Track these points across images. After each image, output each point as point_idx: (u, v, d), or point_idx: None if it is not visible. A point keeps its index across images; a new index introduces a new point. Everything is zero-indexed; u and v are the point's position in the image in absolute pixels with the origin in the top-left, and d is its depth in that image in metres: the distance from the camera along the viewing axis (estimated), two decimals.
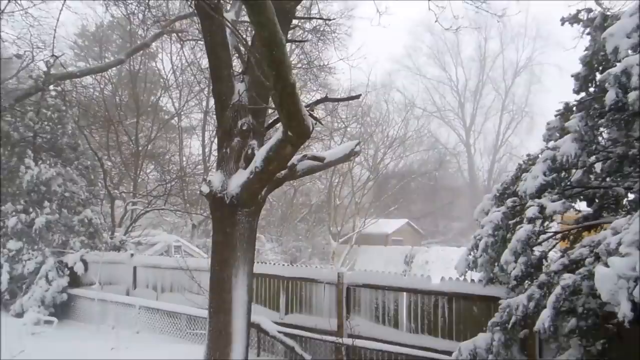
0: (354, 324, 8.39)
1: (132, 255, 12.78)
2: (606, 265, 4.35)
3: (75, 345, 9.42)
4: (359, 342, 8.20)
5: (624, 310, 4.10)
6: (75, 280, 13.03)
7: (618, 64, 5.38)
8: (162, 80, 25.90)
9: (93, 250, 13.58)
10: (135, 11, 13.35)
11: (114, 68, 20.69)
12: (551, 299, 5.07)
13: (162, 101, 26.68)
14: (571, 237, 7.26)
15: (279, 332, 9.03)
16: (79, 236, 13.73)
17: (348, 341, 8.29)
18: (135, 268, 12.41)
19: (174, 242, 18.30)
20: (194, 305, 10.31)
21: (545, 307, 5.30)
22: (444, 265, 26.27)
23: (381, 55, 66.17)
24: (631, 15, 5.54)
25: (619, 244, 4.39)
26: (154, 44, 18.36)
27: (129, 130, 22.15)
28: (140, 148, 21.87)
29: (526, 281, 6.34)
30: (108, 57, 23.87)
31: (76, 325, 12.29)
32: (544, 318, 5.04)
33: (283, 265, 11.63)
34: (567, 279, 5.09)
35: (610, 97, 5.26)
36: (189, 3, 12.37)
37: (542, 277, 5.64)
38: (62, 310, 12.64)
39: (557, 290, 5.05)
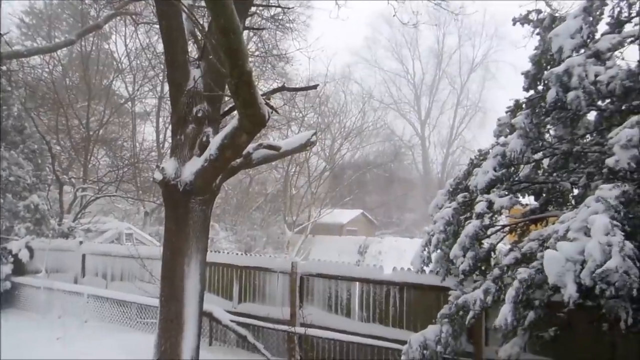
0: (306, 313, 8.45)
1: (80, 242, 12.45)
2: (555, 249, 4.53)
3: (19, 336, 9.12)
4: (312, 331, 8.28)
5: (570, 292, 4.30)
6: (20, 268, 12.57)
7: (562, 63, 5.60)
8: (115, 63, 25.15)
9: (39, 237, 13.14)
10: None
11: (64, 49, 19.93)
12: (510, 293, 5.22)
13: (115, 85, 25.91)
14: (519, 230, 7.52)
15: (232, 321, 9.01)
16: (24, 222, 13.24)
17: (300, 330, 8.35)
18: (84, 256, 12.12)
19: (125, 230, 17.89)
20: (144, 293, 10.15)
21: (500, 300, 5.49)
22: (396, 256, 26.70)
23: (340, 46, 66.14)
24: (575, 17, 5.78)
25: (567, 230, 4.59)
26: (107, 25, 17.78)
27: (80, 113, 21.44)
28: (91, 132, 21.24)
29: (474, 274, 6.55)
30: (58, 37, 22.97)
31: (21, 315, 11.87)
32: (505, 313, 5.16)
33: (237, 254, 11.58)
34: (523, 272, 5.27)
35: (551, 95, 5.48)
36: None
37: (496, 272, 5.83)
38: (5, 299, 12.19)
39: (516, 284, 5.20)
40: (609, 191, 4.67)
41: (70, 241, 13.04)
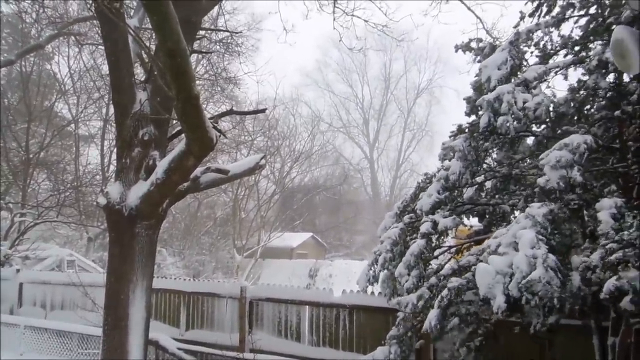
0: (256, 338, 8.34)
1: (17, 270, 11.89)
2: (487, 263, 4.74)
3: None
4: (261, 357, 8.15)
5: (499, 302, 4.51)
6: None
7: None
8: (57, 84, 24.42)
9: None
10: (28, 10, 12.53)
11: (2, 69, 19.22)
12: (438, 299, 5.46)
13: (58, 107, 25.10)
14: (465, 251, 7.72)
15: (179, 348, 8.75)
16: None
17: (249, 356, 8.21)
18: (21, 284, 11.58)
19: (67, 257, 17.18)
20: (87, 323, 9.76)
21: (433, 307, 5.68)
22: (346, 278, 26.78)
23: (290, 68, 66.67)
24: (503, 50, 6.18)
25: (499, 245, 4.81)
26: (49, 45, 17.30)
27: (19, 135, 20.65)
28: (31, 155, 20.45)
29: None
30: None
31: None
32: (431, 317, 5.43)
33: (184, 279, 11.35)
34: (454, 281, 5.50)
35: (483, 120, 5.79)
36: (88, 6, 11.84)
37: (433, 280, 6.04)
38: None
39: (444, 292, 5.44)
40: (537, 209, 4.94)
41: (6, 269, 12.44)
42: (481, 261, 5.09)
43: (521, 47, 6.34)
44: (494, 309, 4.54)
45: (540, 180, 5.17)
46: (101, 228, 21.97)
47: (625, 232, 4.45)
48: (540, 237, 4.61)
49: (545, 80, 6.19)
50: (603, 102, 5.83)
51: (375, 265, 6.89)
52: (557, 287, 4.36)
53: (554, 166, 5.06)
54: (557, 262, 4.45)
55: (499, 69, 6.07)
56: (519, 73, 6.11)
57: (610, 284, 4.30)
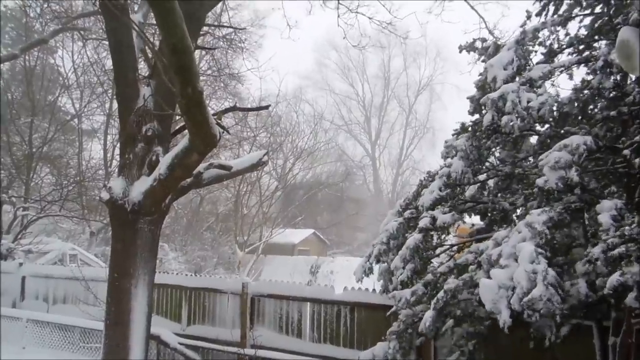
0: (257, 334, 8.37)
1: (20, 264, 11.93)
2: (489, 277, 4.73)
3: None
4: (262, 353, 8.18)
5: (504, 317, 4.50)
6: None
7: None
8: (61, 79, 24.44)
9: None
10: (32, 4, 12.55)
11: (6, 63, 19.25)
12: (434, 301, 5.48)
13: (61, 101, 25.15)
14: (466, 249, 7.73)
15: (180, 344, 8.80)
16: None
17: (251, 352, 8.25)
18: (23, 278, 11.62)
19: (69, 251, 17.24)
20: (89, 317, 9.79)
21: (425, 302, 5.71)
22: (348, 275, 26.71)
23: (292, 67, 66.48)
24: (509, 49, 6.15)
25: (499, 256, 4.79)
26: (53, 40, 17.32)
27: (22, 130, 20.69)
28: (34, 150, 20.50)
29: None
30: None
31: None
32: (426, 319, 5.47)
33: (186, 275, 11.38)
34: (451, 283, 5.50)
35: (487, 119, 5.78)
36: (92, 1, 11.84)
37: (429, 277, 6.05)
38: None
39: (440, 293, 5.44)
40: (537, 216, 4.93)
41: (9, 263, 12.49)
42: (479, 262, 5.10)
43: (527, 46, 6.30)
44: (500, 323, 4.52)
45: (539, 181, 5.17)
46: (104, 222, 22.04)
47: (627, 228, 4.43)
48: (539, 250, 4.60)
49: (550, 79, 6.15)
50: (606, 103, 5.81)
51: (372, 257, 6.94)
52: (559, 304, 4.35)
53: (553, 167, 5.06)
54: (557, 277, 4.44)
55: (504, 68, 6.04)
56: (523, 72, 6.07)
57: (614, 279, 4.27)
